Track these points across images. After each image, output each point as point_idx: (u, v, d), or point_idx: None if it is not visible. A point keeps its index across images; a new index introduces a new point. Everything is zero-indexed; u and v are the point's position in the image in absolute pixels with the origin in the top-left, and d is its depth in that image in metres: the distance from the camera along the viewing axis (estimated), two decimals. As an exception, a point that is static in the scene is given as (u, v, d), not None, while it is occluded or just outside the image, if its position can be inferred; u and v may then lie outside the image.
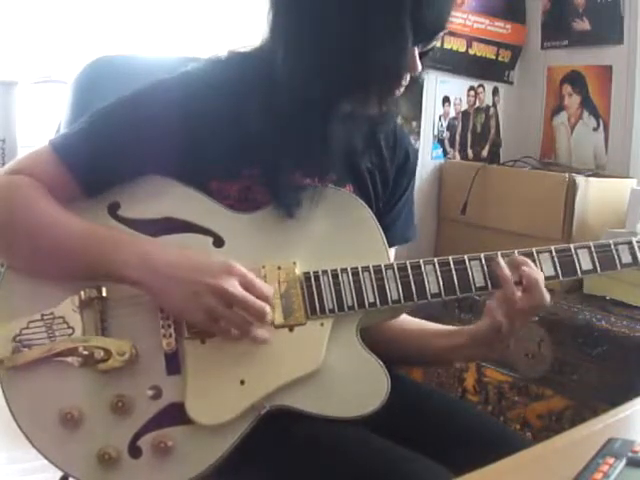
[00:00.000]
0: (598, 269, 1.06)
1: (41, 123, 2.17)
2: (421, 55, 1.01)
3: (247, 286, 0.95)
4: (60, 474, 1.02)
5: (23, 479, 2.00)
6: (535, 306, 1.04)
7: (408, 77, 1.02)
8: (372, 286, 1.02)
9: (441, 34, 1.02)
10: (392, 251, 1.17)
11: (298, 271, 1.02)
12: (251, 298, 0.95)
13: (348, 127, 1.05)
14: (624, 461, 0.68)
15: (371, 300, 1.02)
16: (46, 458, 0.97)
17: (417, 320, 1.22)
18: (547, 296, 1.03)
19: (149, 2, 2.31)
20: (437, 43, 1.05)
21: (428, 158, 2.53)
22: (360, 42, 0.95)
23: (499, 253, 1.05)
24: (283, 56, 0.99)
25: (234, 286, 0.94)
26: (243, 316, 0.95)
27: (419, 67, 1.00)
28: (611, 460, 0.68)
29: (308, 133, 1.01)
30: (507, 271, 1.03)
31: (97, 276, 0.98)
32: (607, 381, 1.81)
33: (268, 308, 0.96)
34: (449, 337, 1.16)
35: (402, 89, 1.03)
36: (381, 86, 1.00)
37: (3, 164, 2.10)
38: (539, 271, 1.04)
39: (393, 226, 1.17)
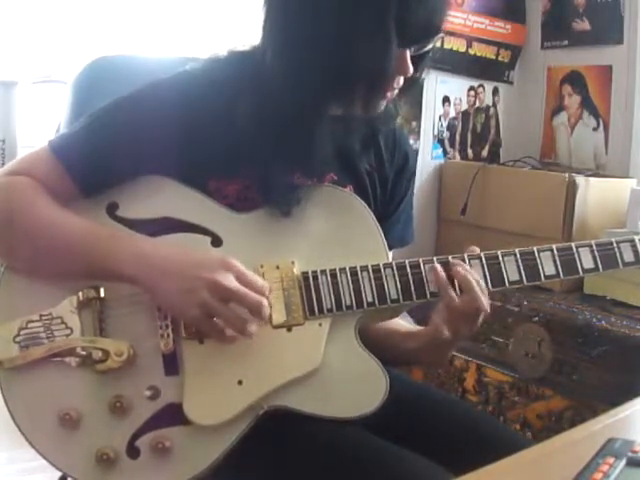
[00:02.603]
0: (600, 268, 1.06)
1: (41, 123, 2.17)
2: (418, 58, 1.01)
3: (243, 281, 0.95)
4: (59, 474, 1.02)
5: (23, 479, 2.00)
6: (474, 309, 1.01)
7: (401, 79, 1.01)
8: (371, 286, 1.02)
9: (436, 37, 1.01)
10: (390, 254, 1.16)
11: (296, 271, 1.02)
12: (248, 291, 0.94)
13: (339, 128, 1.04)
14: (624, 461, 0.68)
15: (370, 300, 1.01)
16: (44, 458, 0.97)
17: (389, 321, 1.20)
18: (483, 299, 1.00)
19: (149, 2, 2.31)
20: (436, 44, 1.04)
21: (428, 158, 2.53)
22: (343, 44, 0.94)
23: (499, 252, 1.05)
24: (271, 56, 0.99)
25: (230, 280, 0.94)
26: (239, 313, 0.95)
27: (410, 70, 0.99)
28: (611, 460, 0.68)
29: (296, 133, 1.00)
30: (443, 275, 1.01)
31: (95, 274, 0.98)
32: (607, 381, 1.81)
33: (265, 301, 0.95)
34: (412, 340, 1.13)
35: (395, 91, 1.03)
36: (366, 88, 0.99)
37: (3, 164, 2.10)
38: (473, 272, 1.02)
39: (392, 229, 1.16)
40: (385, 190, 1.17)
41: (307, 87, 0.97)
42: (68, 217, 0.99)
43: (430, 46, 1.02)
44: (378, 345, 1.07)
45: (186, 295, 0.94)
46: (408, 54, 0.99)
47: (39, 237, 0.98)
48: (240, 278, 0.95)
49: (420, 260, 1.04)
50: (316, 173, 1.06)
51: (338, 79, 0.97)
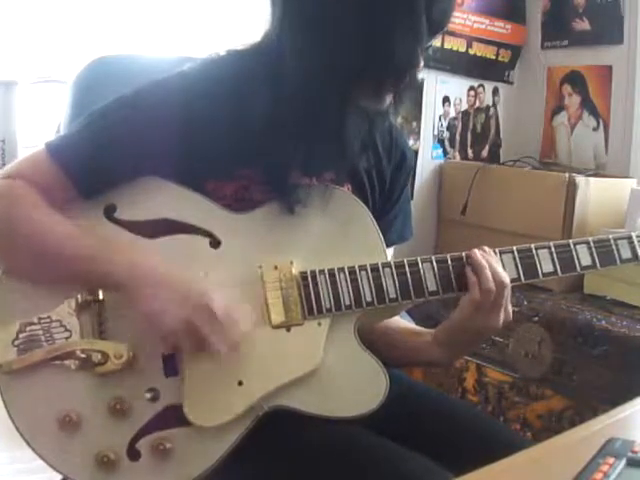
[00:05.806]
0: (597, 265, 1.06)
1: (41, 123, 2.18)
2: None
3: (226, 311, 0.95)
4: (60, 475, 1.02)
5: (23, 479, 2.00)
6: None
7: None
8: (369, 285, 1.01)
9: (442, 31, 1.01)
10: (391, 250, 1.16)
11: (295, 270, 1.01)
12: (230, 321, 0.95)
13: (357, 123, 1.04)
14: (624, 461, 0.68)
15: (368, 299, 1.01)
16: (45, 461, 0.97)
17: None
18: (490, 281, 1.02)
19: (149, 2, 2.31)
20: (436, 44, 1.05)
21: (428, 158, 2.53)
22: (374, 37, 0.94)
23: (497, 250, 1.05)
24: (291, 55, 0.97)
25: (218, 305, 0.94)
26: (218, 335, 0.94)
27: (422, 64, 1.00)
28: (611, 460, 0.68)
29: (323, 130, 1.00)
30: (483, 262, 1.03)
31: (87, 282, 0.97)
32: (607, 381, 1.81)
33: (238, 335, 0.96)
34: (416, 336, 1.15)
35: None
36: (395, 81, 0.99)
37: (3, 164, 2.10)
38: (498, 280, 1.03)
39: (391, 225, 1.16)
40: (383, 188, 1.16)
41: (334, 85, 0.96)
42: (62, 225, 0.97)
43: (432, 41, 1.03)
44: (389, 343, 1.07)
45: (173, 304, 0.93)
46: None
47: (36, 244, 0.96)
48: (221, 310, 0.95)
49: (418, 259, 1.03)
50: (337, 168, 1.05)
51: (367, 72, 0.96)
